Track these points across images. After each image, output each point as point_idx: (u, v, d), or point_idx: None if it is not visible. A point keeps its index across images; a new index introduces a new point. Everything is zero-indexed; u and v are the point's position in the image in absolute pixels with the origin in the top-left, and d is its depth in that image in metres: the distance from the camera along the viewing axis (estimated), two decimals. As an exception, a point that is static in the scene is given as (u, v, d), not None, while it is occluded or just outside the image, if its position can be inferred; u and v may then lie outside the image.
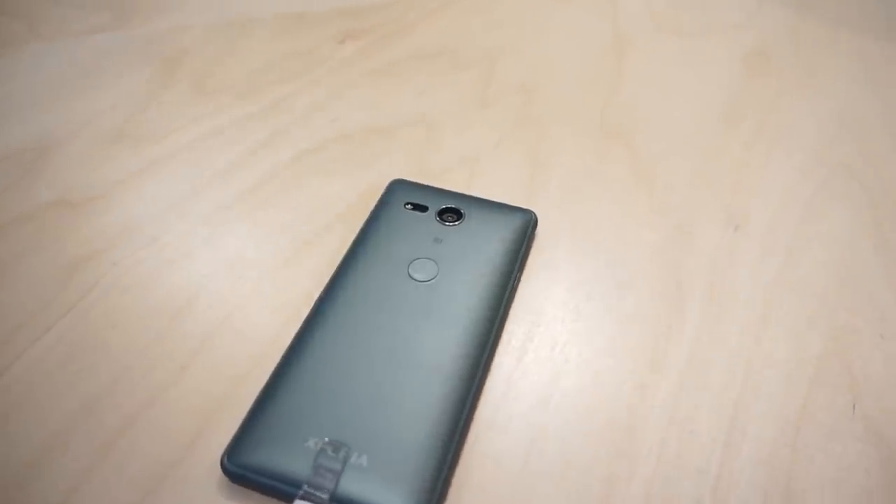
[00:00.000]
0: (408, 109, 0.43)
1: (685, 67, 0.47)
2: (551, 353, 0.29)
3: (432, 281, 0.30)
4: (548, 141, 0.41)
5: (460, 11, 0.53)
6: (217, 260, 0.33)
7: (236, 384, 0.28)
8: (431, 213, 0.34)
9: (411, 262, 0.31)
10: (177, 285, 0.31)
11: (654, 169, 0.39)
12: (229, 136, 0.40)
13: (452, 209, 0.34)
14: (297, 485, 0.23)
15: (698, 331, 0.30)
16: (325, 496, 0.23)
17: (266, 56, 0.47)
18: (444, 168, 0.39)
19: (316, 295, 0.31)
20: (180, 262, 0.33)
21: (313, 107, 0.43)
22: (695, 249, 0.34)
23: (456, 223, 0.33)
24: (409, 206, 0.34)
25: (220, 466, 0.24)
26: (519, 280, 0.32)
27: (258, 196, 0.36)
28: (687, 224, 0.35)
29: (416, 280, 0.30)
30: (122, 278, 0.32)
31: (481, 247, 0.32)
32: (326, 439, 0.24)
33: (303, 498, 0.23)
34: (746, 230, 0.35)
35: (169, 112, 0.42)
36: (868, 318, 0.30)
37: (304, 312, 0.30)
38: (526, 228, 0.33)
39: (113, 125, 0.41)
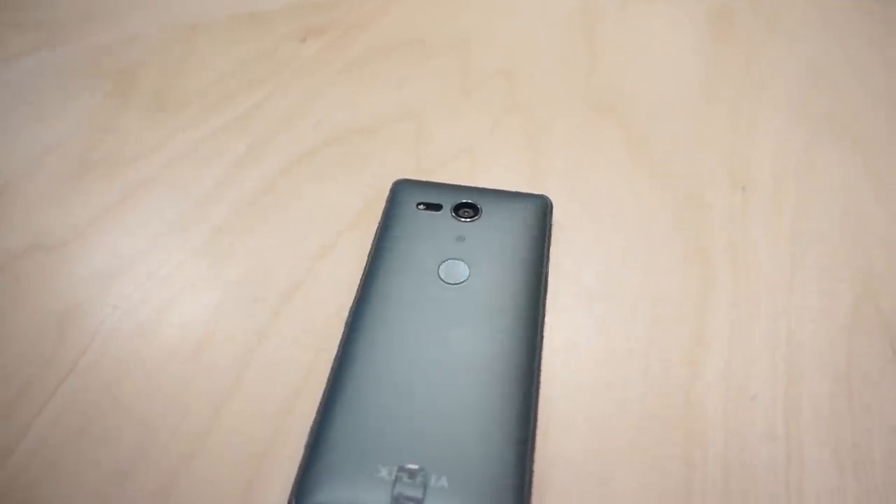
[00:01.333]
0: (390, 104, 0.41)
1: (653, 34, 0.47)
2: (599, 341, 0.28)
3: (466, 282, 0.29)
4: (539, 123, 0.40)
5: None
6: (226, 288, 0.30)
7: (280, 420, 0.26)
8: (446, 210, 0.32)
9: (440, 265, 0.30)
10: (188, 322, 0.29)
11: (649, 140, 0.39)
12: (207, 151, 0.37)
13: (468, 204, 0.32)
14: (380, 519, 0.22)
15: (732, 295, 0.30)
16: (413, 527, 0.21)
17: (225, 62, 0.44)
18: (441, 161, 0.37)
19: (345, 312, 0.29)
20: (185, 296, 0.30)
21: (291, 112, 0.40)
22: (709, 215, 0.34)
23: (474, 218, 0.32)
24: (421, 207, 0.32)
25: (287, 512, 0.23)
26: (548, 269, 0.31)
27: (254, 214, 0.34)
28: (695, 191, 0.35)
29: (448, 283, 0.29)
30: (123, 323, 0.29)
31: (506, 240, 0.31)
32: (400, 465, 0.23)
33: (390, 532, 0.21)
34: (754, 190, 0.35)
35: (134, 133, 0.38)
36: (885, 260, 0.31)
37: (336, 332, 0.29)
38: (544, 215, 0.32)
39: (74, 154, 0.37)
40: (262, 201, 0.34)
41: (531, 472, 0.23)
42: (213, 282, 0.30)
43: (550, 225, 0.33)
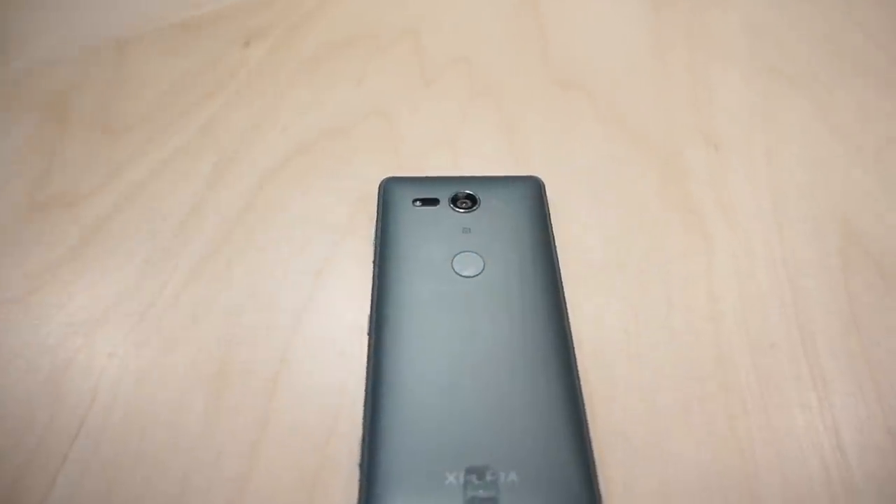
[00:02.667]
0: (355, 102, 0.39)
1: (595, 4, 0.48)
2: (621, 311, 0.29)
3: (483, 273, 0.28)
4: (508, 105, 0.40)
5: (356, -11, 0.50)
6: (231, 318, 0.28)
7: (324, 445, 0.24)
8: (444, 203, 0.31)
9: (452, 260, 0.29)
10: (198, 360, 0.27)
11: (617, 109, 0.39)
12: (171, 175, 0.34)
13: (465, 194, 0.32)
14: (460, 528, 0.21)
15: (731, 250, 0.31)
16: (496, 529, 0.21)
17: (166, 76, 0.41)
18: (422, 155, 0.36)
19: (363, 322, 0.28)
20: (188, 331, 0.28)
21: (252, 121, 0.38)
22: (691, 176, 0.35)
23: (473, 208, 0.31)
24: (417, 203, 0.31)
25: (357, 539, 0.21)
26: (556, 249, 0.31)
27: (241, 234, 0.32)
28: (673, 153, 0.36)
29: (466, 277, 0.28)
30: (125, 372, 0.26)
31: (511, 225, 0.31)
32: (467, 468, 0.22)
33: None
34: (726, 147, 0.37)
35: (81, 164, 0.35)
36: (861, 200, 0.34)
37: (359, 344, 0.27)
38: (540, 196, 0.32)
39: (20, 194, 0.33)
40: (246, 220, 0.32)
41: (591, 449, 0.23)
42: (214, 313, 0.28)
43: (547, 204, 0.33)
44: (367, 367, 0.25)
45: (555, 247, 0.30)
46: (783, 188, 0.34)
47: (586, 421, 0.24)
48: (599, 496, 0.22)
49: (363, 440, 0.23)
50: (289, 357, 0.27)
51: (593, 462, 0.23)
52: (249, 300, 0.29)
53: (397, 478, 0.22)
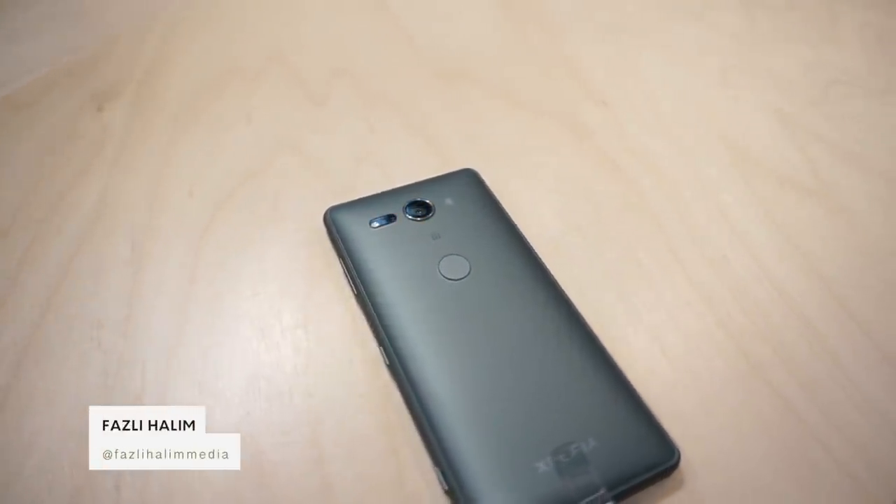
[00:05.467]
0: (254, 142, 0.37)
1: (439, -2, 0.50)
2: (594, 268, 0.31)
3: (472, 272, 0.29)
4: (407, 107, 0.40)
5: (195, 31, 0.46)
6: (237, 400, 0.26)
7: (399, 485, 0.24)
8: (402, 217, 0.31)
9: (438, 268, 0.29)
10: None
11: (506, 89, 0.41)
12: (83, 272, 0.30)
13: (417, 203, 0.32)
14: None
15: (660, 189, 0.35)
16: (602, 493, 0.22)
17: (18, 162, 0.35)
18: (348, 175, 0.35)
19: (376, 357, 0.27)
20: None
21: (149, 190, 0.34)
22: (596, 133, 0.38)
23: (429, 214, 0.31)
24: (375, 224, 0.31)
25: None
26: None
27: (199, 314, 0.29)
28: (571, 118, 0.39)
29: (458, 280, 0.29)
30: (147, 500, 0.23)
31: (475, 221, 0.31)
32: (550, 451, 0.23)
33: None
34: (612, 102, 0.40)
35: (-38, 292, 0.29)
36: (727, 117, 0.39)
37: (382, 380, 0.27)
38: (482, 185, 0.33)
39: None
40: (197, 295, 0.29)
41: (640, 396, 0.25)
42: (216, 405, 0.26)
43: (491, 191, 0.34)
44: (407, 396, 0.25)
45: (518, 228, 0.32)
46: (669, 124, 0.39)
47: (624, 373, 0.26)
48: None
49: (438, 466, 0.23)
50: (320, 417, 0.25)
51: (647, 406, 0.25)
52: (244, 381, 0.26)
53: (496, 484, 0.22)
